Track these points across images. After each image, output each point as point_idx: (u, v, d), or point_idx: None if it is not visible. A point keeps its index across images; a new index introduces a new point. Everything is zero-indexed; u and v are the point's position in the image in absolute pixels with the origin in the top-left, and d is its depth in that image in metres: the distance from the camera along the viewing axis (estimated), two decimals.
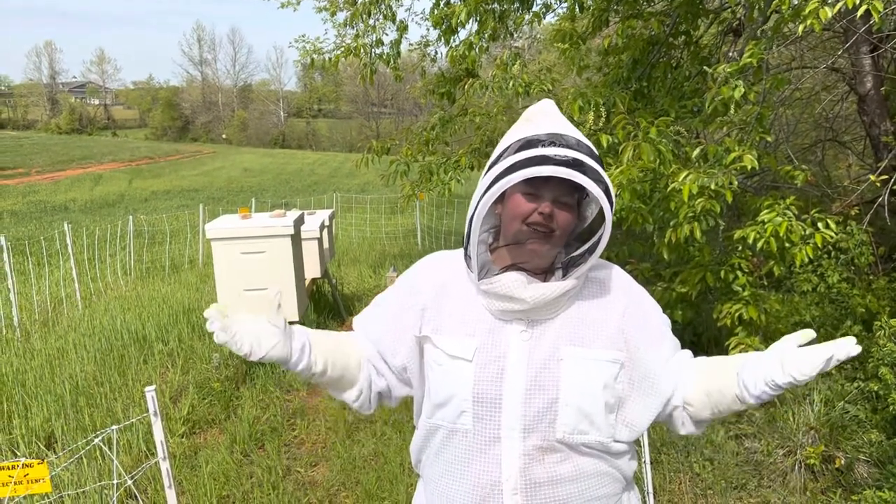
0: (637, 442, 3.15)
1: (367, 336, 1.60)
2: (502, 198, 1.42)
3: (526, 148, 1.35)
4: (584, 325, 1.43)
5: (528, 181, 1.33)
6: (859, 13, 3.24)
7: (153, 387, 2.56)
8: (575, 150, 1.35)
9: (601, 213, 1.37)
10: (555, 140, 1.36)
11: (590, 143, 1.41)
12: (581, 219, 1.47)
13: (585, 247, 1.42)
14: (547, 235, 1.38)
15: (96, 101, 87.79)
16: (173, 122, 75.59)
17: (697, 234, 3.81)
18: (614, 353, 1.42)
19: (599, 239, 1.38)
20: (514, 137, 1.41)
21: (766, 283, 5.50)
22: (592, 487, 1.41)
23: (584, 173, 1.31)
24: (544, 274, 1.44)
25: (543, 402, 1.38)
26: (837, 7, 3.23)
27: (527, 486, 1.38)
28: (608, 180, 1.35)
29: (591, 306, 1.46)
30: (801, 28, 3.39)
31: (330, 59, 6.53)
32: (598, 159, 1.39)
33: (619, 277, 1.53)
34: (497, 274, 1.42)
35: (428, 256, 1.62)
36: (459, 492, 1.43)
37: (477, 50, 5.79)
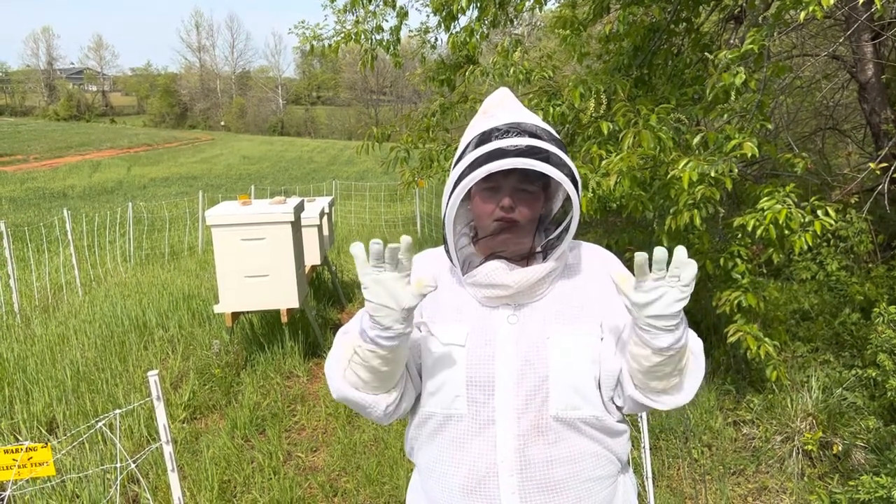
0: (636, 428, 3.18)
1: None
2: (470, 194, 1.46)
3: (483, 143, 1.38)
4: (568, 303, 1.46)
5: (488, 175, 1.35)
6: (861, 0, 3.23)
7: (155, 371, 2.57)
8: (534, 137, 1.37)
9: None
10: (513, 129, 1.38)
11: (549, 128, 1.43)
12: (551, 202, 1.51)
13: (560, 228, 1.45)
14: (512, 226, 1.42)
15: (94, 88, 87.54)
16: (171, 109, 75.41)
17: (697, 221, 3.82)
18: (598, 327, 1.45)
19: (571, 220, 1.41)
20: (472, 133, 1.44)
21: (765, 271, 5.52)
22: (588, 469, 1.42)
23: (547, 159, 1.33)
24: (526, 259, 1.47)
25: (535, 381, 1.40)
26: None
27: (523, 467, 1.39)
28: (571, 163, 1.37)
29: (574, 284, 1.49)
30: (802, 15, 3.37)
31: (329, 45, 6.50)
32: (560, 143, 1.40)
33: (598, 254, 1.56)
34: (479, 265, 1.45)
35: (417, 254, 1.64)
36: (456, 476, 1.43)
37: (478, 37, 5.76)
